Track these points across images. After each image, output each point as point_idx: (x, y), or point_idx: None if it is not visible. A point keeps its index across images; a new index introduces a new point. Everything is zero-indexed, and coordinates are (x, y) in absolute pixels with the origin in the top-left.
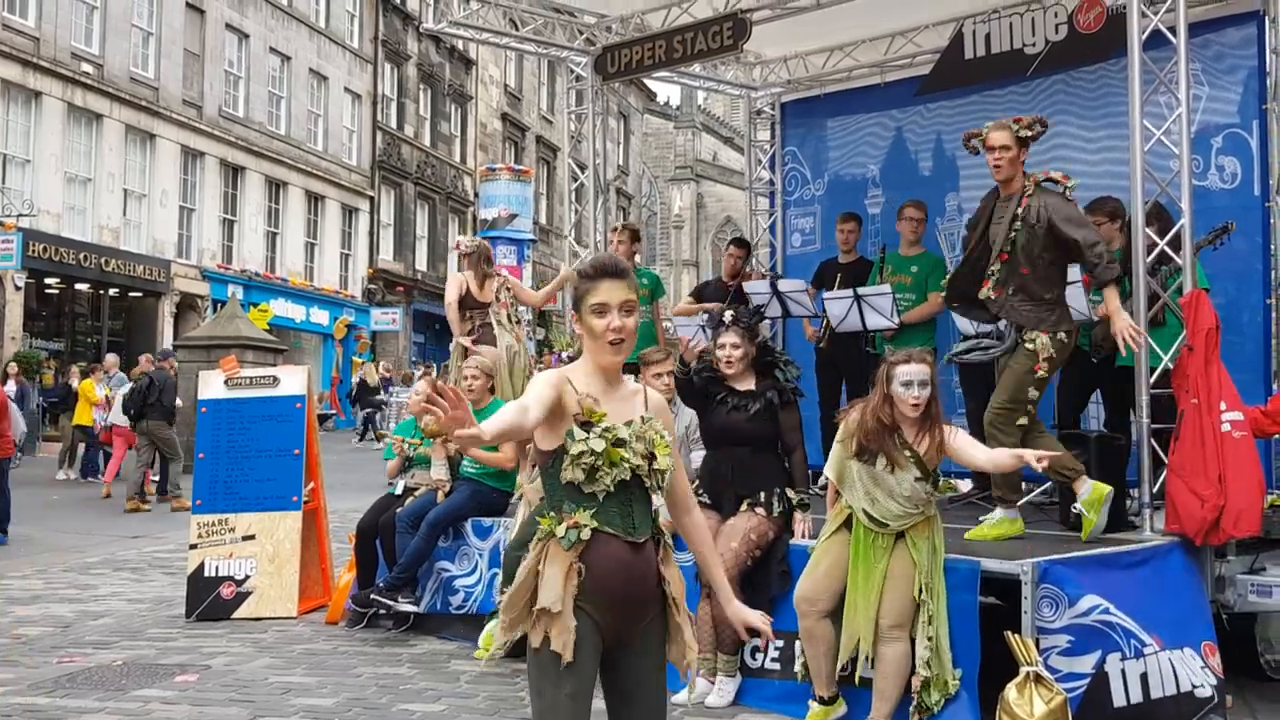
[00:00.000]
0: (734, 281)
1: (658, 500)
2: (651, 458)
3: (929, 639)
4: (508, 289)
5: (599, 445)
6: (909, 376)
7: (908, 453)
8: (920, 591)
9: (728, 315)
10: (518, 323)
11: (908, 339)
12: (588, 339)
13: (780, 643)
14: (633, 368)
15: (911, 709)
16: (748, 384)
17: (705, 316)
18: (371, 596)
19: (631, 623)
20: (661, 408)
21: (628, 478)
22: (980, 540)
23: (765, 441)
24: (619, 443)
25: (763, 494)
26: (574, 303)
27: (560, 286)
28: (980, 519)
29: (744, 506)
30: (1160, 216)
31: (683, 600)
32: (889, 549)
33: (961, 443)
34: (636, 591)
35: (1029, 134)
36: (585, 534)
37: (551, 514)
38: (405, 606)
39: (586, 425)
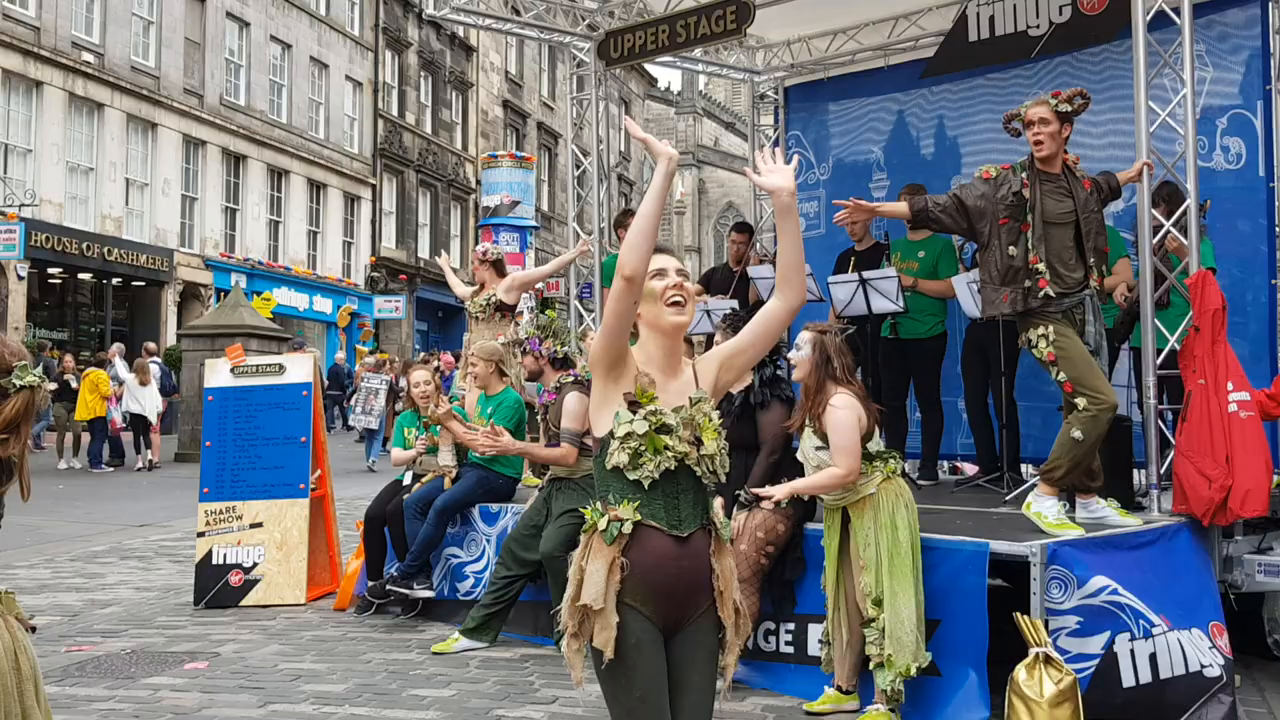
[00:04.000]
0: (740, 267)
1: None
2: (699, 443)
3: (878, 626)
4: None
5: (642, 428)
6: (795, 342)
7: (809, 420)
8: (855, 570)
9: (723, 317)
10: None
11: (913, 324)
12: (646, 304)
13: (792, 625)
14: None
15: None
16: (742, 384)
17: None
18: (387, 586)
19: (682, 612)
20: (711, 358)
21: (673, 467)
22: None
23: (740, 444)
24: (664, 429)
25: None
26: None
27: (564, 265)
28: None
29: (736, 509)
30: (1172, 197)
31: (729, 593)
32: (837, 529)
33: (828, 420)
34: (684, 585)
35: (1069, 108)
36: (627, 528)
37: (596, 505)
38: (421, 593)
39: (634, 405)
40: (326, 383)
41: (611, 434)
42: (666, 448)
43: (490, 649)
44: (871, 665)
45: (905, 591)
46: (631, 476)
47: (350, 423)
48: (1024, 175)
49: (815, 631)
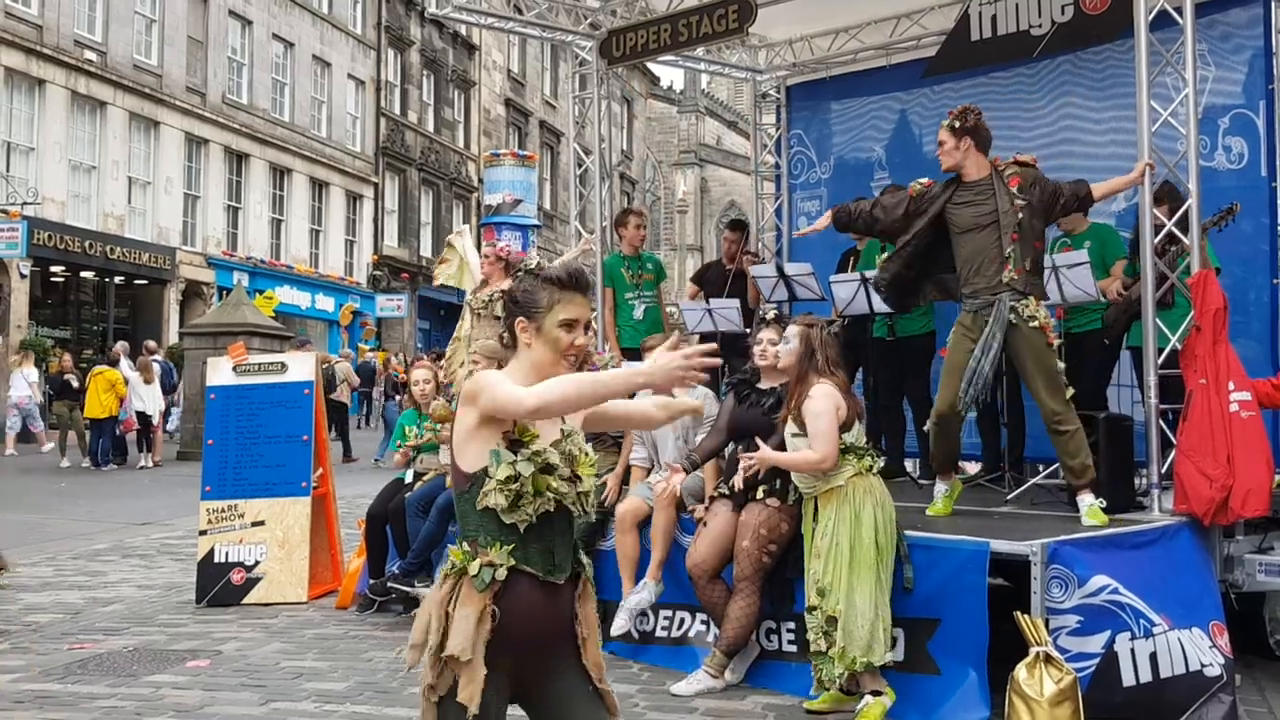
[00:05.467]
0: (733, 265)
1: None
2: (576, 479)
3: (820, 616)
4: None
5: (527, 469)
6: (770, 335)
7: (790, 410)
8: (819, 558)
9: (770, 313)
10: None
11: (907, 322)
12: (541, 349)
13: (793, 624)
14: (634, 354)
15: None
16: (775, 380)
17: (710, 301)
18: (388, 584)
19: (543, 665)
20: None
21: (552, 508)
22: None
23: (772, 433)
24: (547, 468)
25: (779, 481)
26: (526, 306)
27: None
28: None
29: (759, 494)
30: (1172, 197)
31: (594, 640)
32: (811, 516)
33: (806, 408)
34: (552, 635)
35: (958, 124)
36: (501, 574)
37: (465, 547)
38: (423, 590)
39: (516, 444)
40: (358, 380)
41: (486, 473)
42: (548, 488)
43: None
44: (811, 651)
45: (864, 586)
46: (508, 520)
47: (386, 416)
48: (943, 189)
49: None
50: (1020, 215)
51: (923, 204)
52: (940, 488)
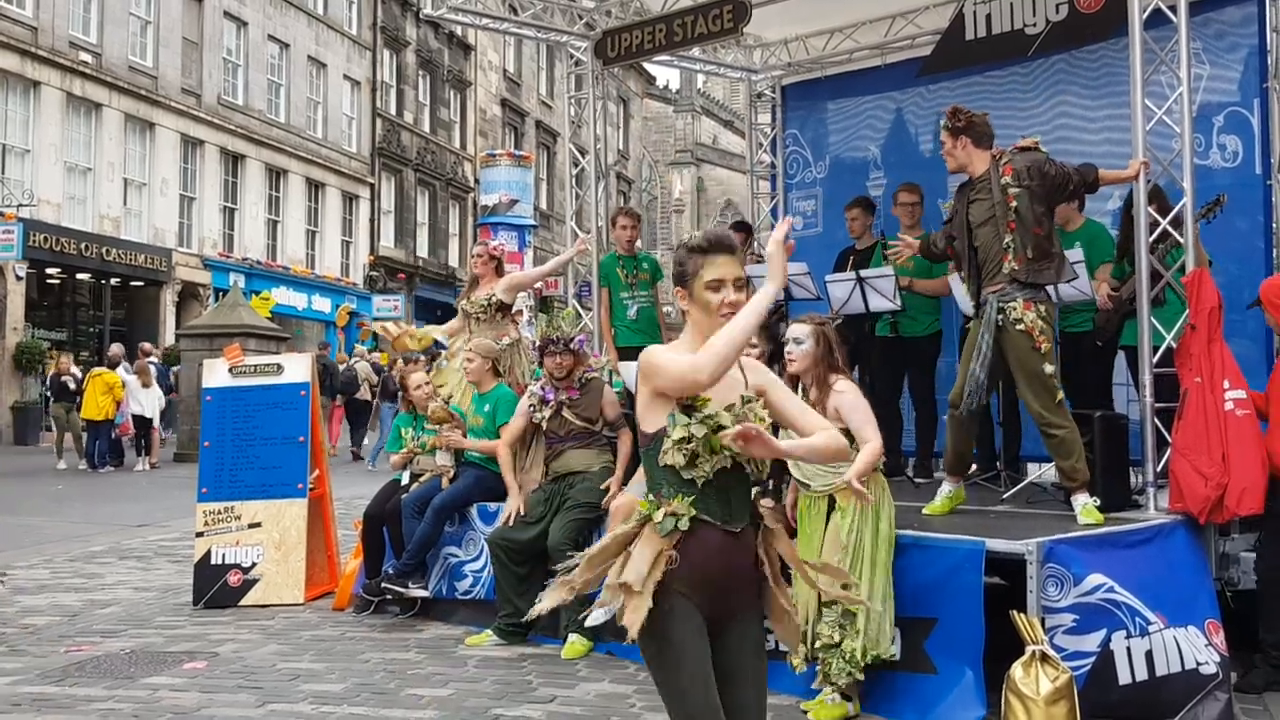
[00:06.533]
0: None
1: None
2: None
3: (836, 611)
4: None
5: (700, 431)
6: (789, 335)
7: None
8: (843, 553)
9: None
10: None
11: (911, 322)
12: (698, 313)
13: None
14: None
15: (817, 675)
16: None
17: None
18: (382, 584)
19: (728, 606)
20: (763, 381)
21: (728, 465)
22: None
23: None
24: (721, 429)
25: (770, 482)
26: (679, 276)
27: (563, 264)
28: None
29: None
30: (1158, 197)
31: (778, 577)
32: (823, 516)
33: (834, 403)
34: (734, 579)
35: (950, 124)
36: (684, 523)
37: (650, 497)
38: (416, 592)
39: (689, 409)
40: (375, 379)
41: (666, 433)
42: (724, 448)
43: (489, 648)
44: (819, 646)
45: (880, 580)
46: (687, 476)
47: (381, 418)
48: (958, 193)
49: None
50: (1015, 204)
51: (953, 216)
52: (945, 488)
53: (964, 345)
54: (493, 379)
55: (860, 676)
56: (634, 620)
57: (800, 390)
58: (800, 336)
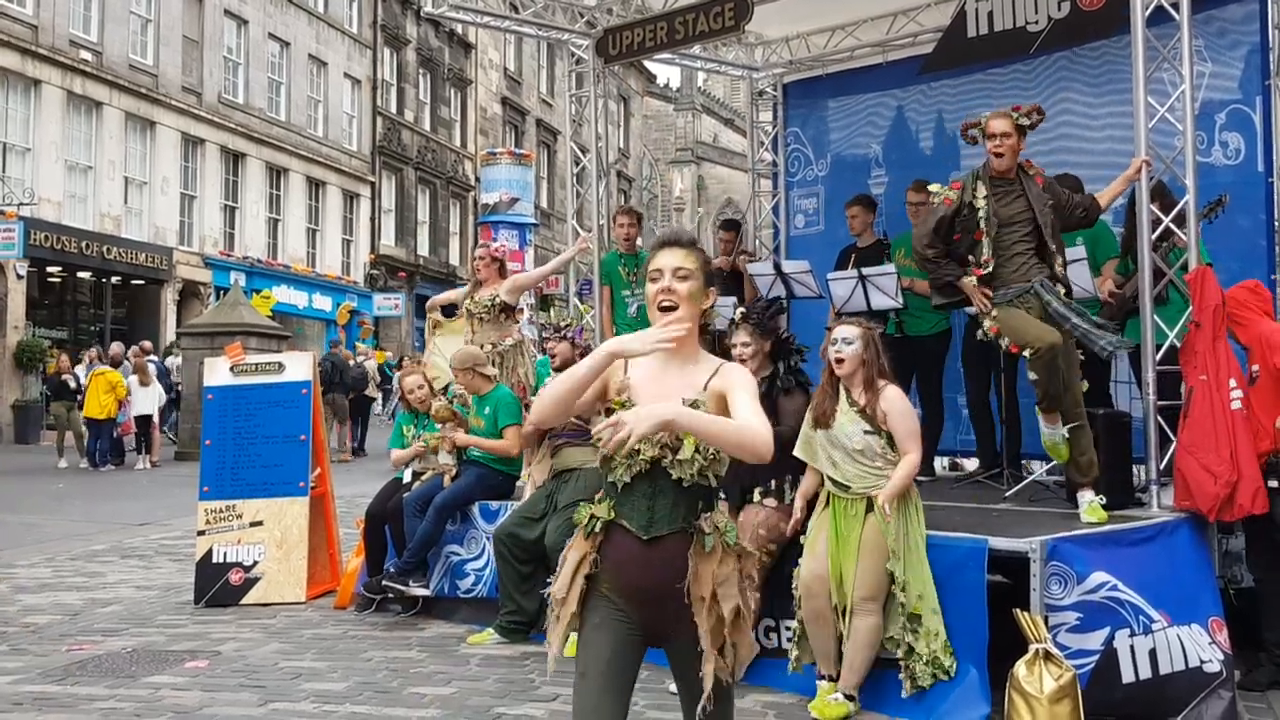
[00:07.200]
0: (728, 263)
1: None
2: (672, 447)
3: (903, 613)
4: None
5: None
6: (835, 336)
7: (853, 406)
8: (889, 561)
9: (738, 312)
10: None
11: (917, 321)
12: (649, 308)
13: (793, 623)
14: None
15: (903, 681)
16: (764, 371)
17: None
18: (383, 582)
19: (657, 616)
20: (726, 385)
21: (643, 470)
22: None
23: None
24: None
25: (773, 482)
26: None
27: (564, 264)
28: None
29: (755, 497)
30: (1161, 194)
31: (708, 600)
32: (860, 518)
33: (883, 407)
34: (653, 589)
35: (1027, 122)
36: (598, 525)
37: (596, 500)
38: (417, 590)
39: (609, 412)
40: (379, 378)
41: None
42: (636, 452)
43: (491, 646)
44: (900, 654)
45: (924, 583)
46: (609, 479)
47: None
48: (975, 185)
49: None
50: (1050, 216)
51: (962, 208)
52: (1053, 431)
53: (1013, 319)
54: (487, 382)
55: (945, 677)
56: (559, 631)
57: (844, 393)
58: (850, 337)
